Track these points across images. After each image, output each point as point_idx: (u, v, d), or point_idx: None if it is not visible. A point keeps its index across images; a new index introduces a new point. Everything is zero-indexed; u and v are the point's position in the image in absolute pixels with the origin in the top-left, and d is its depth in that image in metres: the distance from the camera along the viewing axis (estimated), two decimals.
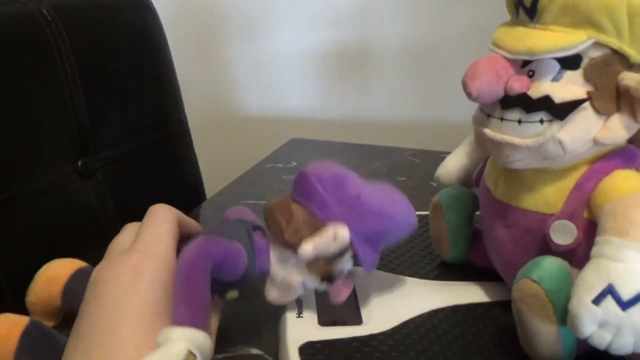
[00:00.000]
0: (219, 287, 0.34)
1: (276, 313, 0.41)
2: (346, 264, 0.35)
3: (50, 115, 0.52)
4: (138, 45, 0.62)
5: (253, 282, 0.36)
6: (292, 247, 0.33)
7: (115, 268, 0.31)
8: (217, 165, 1.02)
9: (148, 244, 0.33)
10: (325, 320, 0.37)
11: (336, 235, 0.33)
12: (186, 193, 0.70)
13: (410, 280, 0.42)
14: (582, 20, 0.31)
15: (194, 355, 0.28)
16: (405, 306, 0.39)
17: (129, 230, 0.36)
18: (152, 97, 0.64)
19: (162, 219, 0.35)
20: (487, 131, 0.34)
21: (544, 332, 0.31)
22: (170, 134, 0.67)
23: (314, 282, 0.35)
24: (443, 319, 0.37)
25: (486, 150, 0.36)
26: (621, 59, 0.32)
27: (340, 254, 0.34)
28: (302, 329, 0.36)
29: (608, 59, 0.32)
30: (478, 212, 0.43)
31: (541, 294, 0.31)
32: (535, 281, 0.31)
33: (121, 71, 0.59)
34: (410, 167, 0.73)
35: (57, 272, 0.37)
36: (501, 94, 0.33)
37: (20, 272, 0.48)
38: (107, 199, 0.56)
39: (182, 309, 0.30)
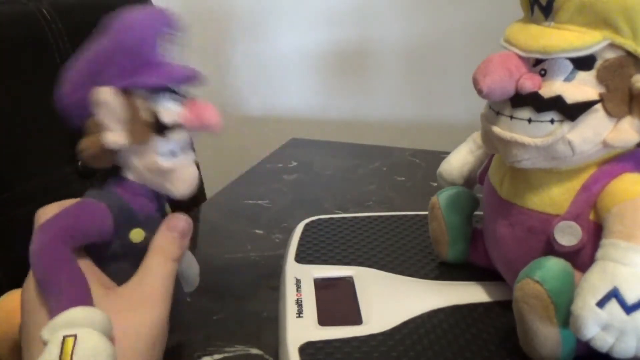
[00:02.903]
0: (116, 238, 0.33)
1: (276, 313, 0.41)
2: (159, 103, 0.32)
3: (50, 115, 0.52)
4: None
5: (152, 217, 0.34)
6: (103, 155, 0.32)
7: (26, 281, 0.32)
8: (217, 165, 1.02)
9: None
10: (325, 320, 0.37)
11: (97, 100, 0.31)
12: None
13: (410, 280, 0.42)
14: (598, 20, 0.31)
15: (72, 336, 0.26)
16: (405, 306, 0.39)
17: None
18: None
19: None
20: (496, 129, 0.34)
21: (544, 332, 0.31)
22: None
23: (161, 144, 0.32)
24: (443, 319, 0.37)
25: (493, 149, 0.36)
26: (635, 62, 0.32)
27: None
28: (302, 329, 0.36)
29: (622, 61, 0.31)
30: (477, 212, 0.43)
31: (543, 295, 0.31)
32: (537, 282, 0.31)
33: None
34: (410, 167, 0.73)
35: (13, 305, 0.35)
36: (512, 91, 0.33)
37: (20, 272, 0.48)
38: None
39: (52, 304, 0.29)
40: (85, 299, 0.29)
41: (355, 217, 0.52)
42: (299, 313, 0.38)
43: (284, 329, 0.37)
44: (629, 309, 0.28)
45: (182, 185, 0.33)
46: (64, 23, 0.52)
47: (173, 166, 0.32)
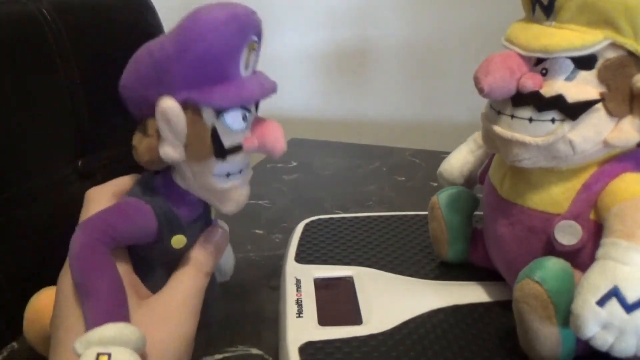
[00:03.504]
0: (157, 242, 0.31)
1: (276, 313, 0.41)
2: (227, 120, 0.30)
3: (50, 115, 0.52)
4: (138, 45, 0.62)
5: (194, 224, 0.33)
6: (157, 162, 0.30)
7: (62, 277, 0.31)
8: None
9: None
10: (325, 320, 0.37)
11: (161, 112, 0.28)
12: None
13: (410, 280, 0.42)
14: (600, 20, 0.31)
15: (106, 354, 0.26)
16: (405, 306, 0.39)
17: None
18: None
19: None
20: (497, 128, 0.34)
21: (544, 332, 0.31)
22: None
23: (218, 166, 0.30)
24: (443, 319, 0.37)
25: (494, 148, 0.36)
26: (636, 62, 0.32)
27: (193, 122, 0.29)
28: (302, 329, 0.36)
29: (623, 60, 0.31)
30: (477, 212, 0.43)
31: (543, 295, 0.31)
32: (537, 282, 0.31)
33: (121, 71, 0.59)
34: (410, 167, 0.73)
35: (44, 303, 0.35)
36: (513, 91, 0.33)
37: (20, 272, 0.48)
38: None
39: (88, 312, 0.28)
40: (122, 313, 0.29)
41: (355, 217, 0.52)
42: (299, 313, 0.38)
43: (284, 329, 0.37)
44: (629, 308, 0.28)
45: (231, 206, 0.32)
46: (64, 23, 0.52)
47: (227, 188, 0.31)
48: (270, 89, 0.31)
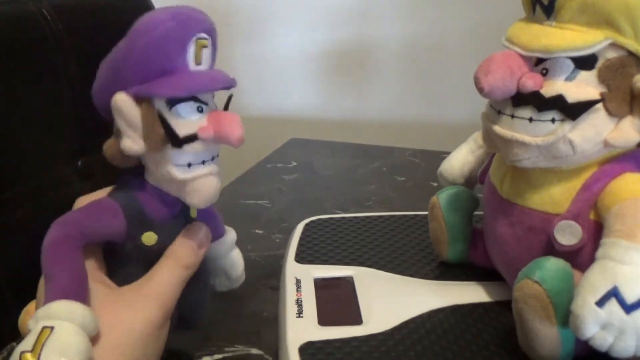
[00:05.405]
0: (128, 238, 0.33)
1: (276, 313, 0.41)
2: (179, 110, 0.31)
3: (50, 115, 0.52)
4: None
5: (168, 222, 0.34)
6: (120, 156, 0.32)
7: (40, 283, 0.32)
8: None
9: None
10: (325, 320, 0.37)
11: (114, 106, 0.30)
12: None
13: (410, 280, 0.42)
14: (600, 20, 0.31)
15: (50, 327, 0.27)
16: (405, 306, 0.39)
17: None
18: None
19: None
20: (497, 128, 0.34)
21: (544, 332, 0.31)
22: None
23: (176, 155, 0.31)
24: (443, 319, 0.37)
25: (494, 148, 0.36)
26: (637, 62, 0.32)
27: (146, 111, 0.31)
28: (302, 329, 0.36)
29: (624, 60, 0.31)
30: (477, 212, 0.43)
31: (542, 295, 0.31)
32: (537, 282, 0.31)
33: None
34: (410, 167, 0.73)
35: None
36: (513, 90, 0.33)
37: (20, 272, 0.48)
38: None
39: (46, 294, 0.29)
40: (75, 294, 0.29)
41: (355, 217, 0.52)
42: (299, 313, 0.38)
43: (284, 329, 0.37)
44: (628, 308, 0.28)
45: (196, 197, 0.32)
46: (64, 23, 0.52)
47: (187, 178, 0.32)
48: (223, 82, 0.32)
